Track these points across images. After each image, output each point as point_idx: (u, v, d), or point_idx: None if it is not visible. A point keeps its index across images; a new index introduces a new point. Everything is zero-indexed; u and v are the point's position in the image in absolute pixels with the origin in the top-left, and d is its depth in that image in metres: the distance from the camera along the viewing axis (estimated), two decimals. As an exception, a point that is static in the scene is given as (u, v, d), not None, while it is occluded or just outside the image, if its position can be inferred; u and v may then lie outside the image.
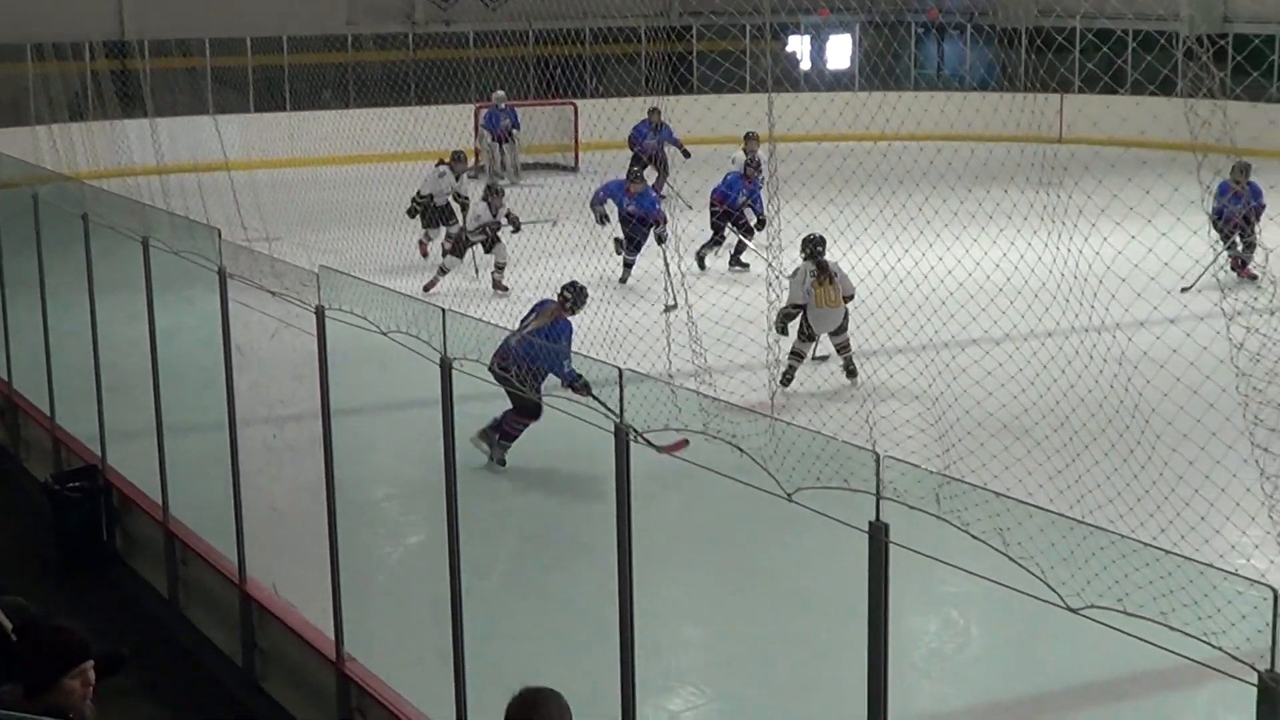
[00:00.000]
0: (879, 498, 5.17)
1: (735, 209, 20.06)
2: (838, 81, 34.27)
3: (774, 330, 13.29)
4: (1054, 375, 10.42)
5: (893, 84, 32.18)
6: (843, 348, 14.75)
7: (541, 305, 12.27)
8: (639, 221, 18.69)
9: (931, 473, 5.25)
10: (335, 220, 21.19)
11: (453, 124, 25.46)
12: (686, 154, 24.39)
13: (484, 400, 7.96)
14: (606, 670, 6.58)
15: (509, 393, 10.59)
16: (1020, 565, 4.81)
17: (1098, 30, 26.70)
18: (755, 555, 10.22)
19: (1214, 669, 4.50)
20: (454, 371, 7.42)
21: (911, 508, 5.07)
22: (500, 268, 19.02)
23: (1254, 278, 16.84)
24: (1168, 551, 4.59)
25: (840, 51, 36.05)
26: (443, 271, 19.30)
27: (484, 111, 28.11)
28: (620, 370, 6.36)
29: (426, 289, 18.62)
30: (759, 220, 19.55)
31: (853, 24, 35.15)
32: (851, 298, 14.67)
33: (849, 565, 5.38)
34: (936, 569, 5.40)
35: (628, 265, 19.23)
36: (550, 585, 9.95)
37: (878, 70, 32.17)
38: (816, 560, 9.29)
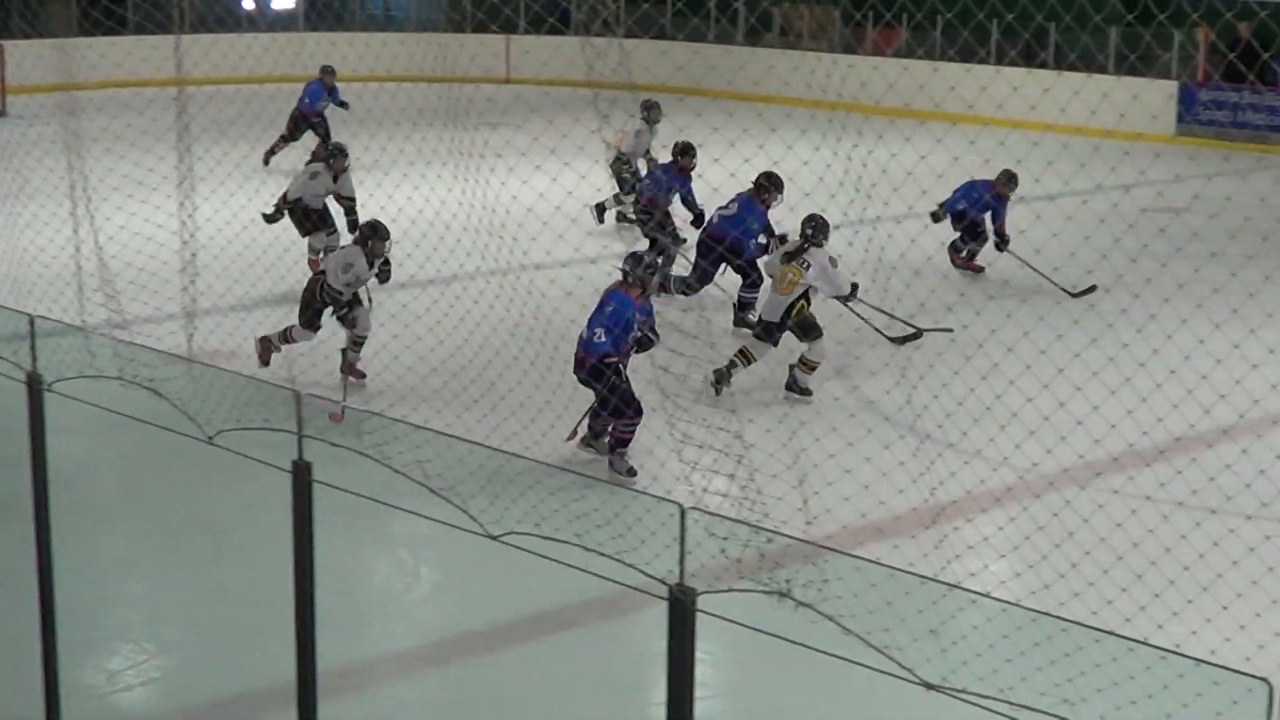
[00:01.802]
0: (300, 436, 5.10)
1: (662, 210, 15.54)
2: (281, 22, 33.69)
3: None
4: (463, 309, 10.51)
5: (338, 24, 31.94)
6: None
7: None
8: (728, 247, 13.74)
9: (354, 409, 5.24)
10: None
11: None
12: (346, 105, 21.19)
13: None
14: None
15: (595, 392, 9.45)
16: (442, 497, 4.84)
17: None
18: (193, 503, 9.95)
19: (632, 588, 4.65)
20: None
21: (333, 444, 5.03)
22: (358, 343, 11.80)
23: (980, 269, 16.15)
24: (581, 474, 4.73)
25: (282, -9, 35.44)
26: (288, 340, 11.73)
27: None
28: (32, 318, 6.07)
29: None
30: (696, 216, 15.24)
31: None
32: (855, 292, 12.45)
33: (287, 507, 5.30)
34: (385, 511, 5.38)
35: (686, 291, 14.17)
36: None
37: (320, 10, 31.86)
38: (255, 504, 9.12)
